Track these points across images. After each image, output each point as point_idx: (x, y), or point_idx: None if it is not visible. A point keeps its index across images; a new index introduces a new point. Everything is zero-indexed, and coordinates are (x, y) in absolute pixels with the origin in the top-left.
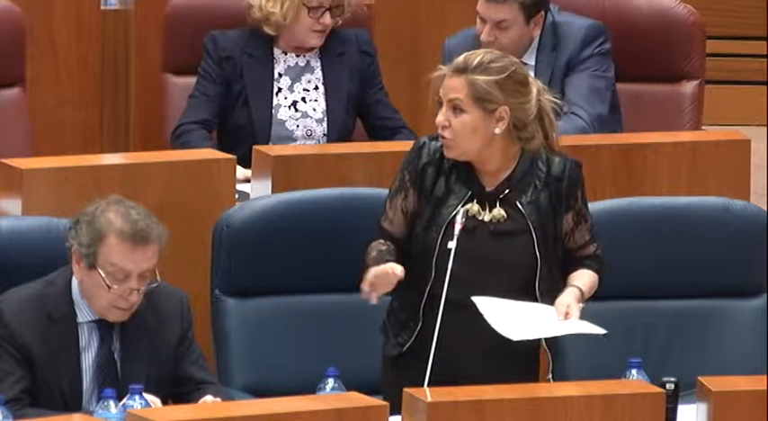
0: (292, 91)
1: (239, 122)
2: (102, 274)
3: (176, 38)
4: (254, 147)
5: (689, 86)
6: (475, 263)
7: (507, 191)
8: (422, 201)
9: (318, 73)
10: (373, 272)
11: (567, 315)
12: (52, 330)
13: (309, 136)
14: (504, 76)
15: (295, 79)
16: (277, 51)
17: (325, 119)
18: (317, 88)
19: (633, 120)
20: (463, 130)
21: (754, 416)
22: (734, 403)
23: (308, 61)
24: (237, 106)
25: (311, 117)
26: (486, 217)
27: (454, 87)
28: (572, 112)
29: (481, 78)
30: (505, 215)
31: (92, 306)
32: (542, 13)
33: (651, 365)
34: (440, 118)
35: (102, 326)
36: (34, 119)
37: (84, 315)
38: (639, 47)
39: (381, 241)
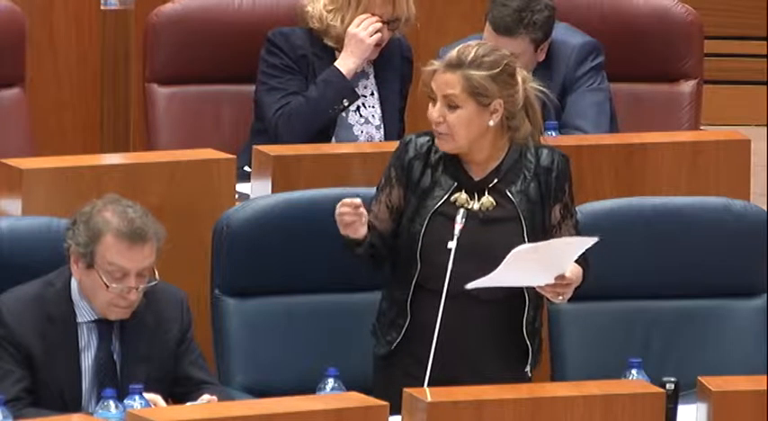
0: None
1: None
2: (100, 273)
3: (161, 48)
4: (254, 146)
5: (687, 86)
6: (465, 251)
7: (496, 180)
8: (408, 195)
9: (372, 79)
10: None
11: (562, 288)
12: (51, 330)
13: (370, 142)
14: (497, 70)
15: (353, 84)
16: (338, 54)
17: (383, 125)
18: (372, 94)
19: (631, 119)
20: (459, 125)
21: (754, 416)
22: (734, 403)
23: (363, 68)
24: None
25: (371, 123)
26: (476, 205)
27: (448, 83)
28: (577, 128)
29: (476, 73)
30: (495, 203)
31: (92, 305)
32: (550, 39)
33: (651, 365)
34: (434, 114)
35: (102, 326)
36: (34, 119)
37: (83, 315)
38: (637, 46)
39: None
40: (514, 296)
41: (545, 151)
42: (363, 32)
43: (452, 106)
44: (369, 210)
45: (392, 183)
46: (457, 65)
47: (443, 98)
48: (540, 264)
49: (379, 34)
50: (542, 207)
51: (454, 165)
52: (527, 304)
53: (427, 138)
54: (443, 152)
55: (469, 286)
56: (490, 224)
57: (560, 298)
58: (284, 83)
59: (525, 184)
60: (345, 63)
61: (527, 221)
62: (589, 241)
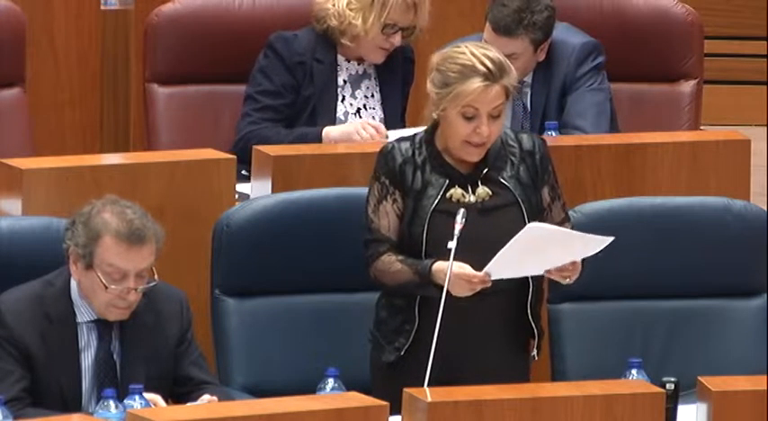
0: (355, 98)
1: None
2: (99, 274)
3: (161, 48)
4: (254, 146)
5: (687, 86)
6: (467, 244)
7: (486, 170)
8: (406, 200)
9: (374, 81)
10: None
11: (570, 271)
12: (51, 330)
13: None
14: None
15: (355, 86)
16: (341, 58)
17: (383, 127)
18: (373, 96)
19: (631, 119)
20: (499, 131)
21: (754, 416)
22: (734, 403)
23: (365, 69)
24: (305, 112)
25: None
26: (472, 198)
27: (495, 96)
28: (577, 128)
29: (512, 77)
30: (490, 192)
31: (92, 305)
32: (550, 39)
33: (651, 365)
34: (485, 132)
35: (101, 326)
36: (34, 119)
37: (83, 315)
38: (637, 46)
39: (389, 254)
40: (519, 282)
41: (524, 136)
42: (358, 135)
43: (495, 116)
44: (371, 228)
45: (391, 193)
46: (499, 76)
47: (491, 111)
48: (550, 249)
49: (368, 136)
50: (534, 189)
51: (441, 163)
52: (531, 288)
53: (408, 143)
54: (427, 152)
55: (488, 268)
56: (490, 213)
57: (567, 280)
58: (261, 94)
59: (515, 169)
60: (331, 132)
61: (525, 204)
62: (606, 240)
